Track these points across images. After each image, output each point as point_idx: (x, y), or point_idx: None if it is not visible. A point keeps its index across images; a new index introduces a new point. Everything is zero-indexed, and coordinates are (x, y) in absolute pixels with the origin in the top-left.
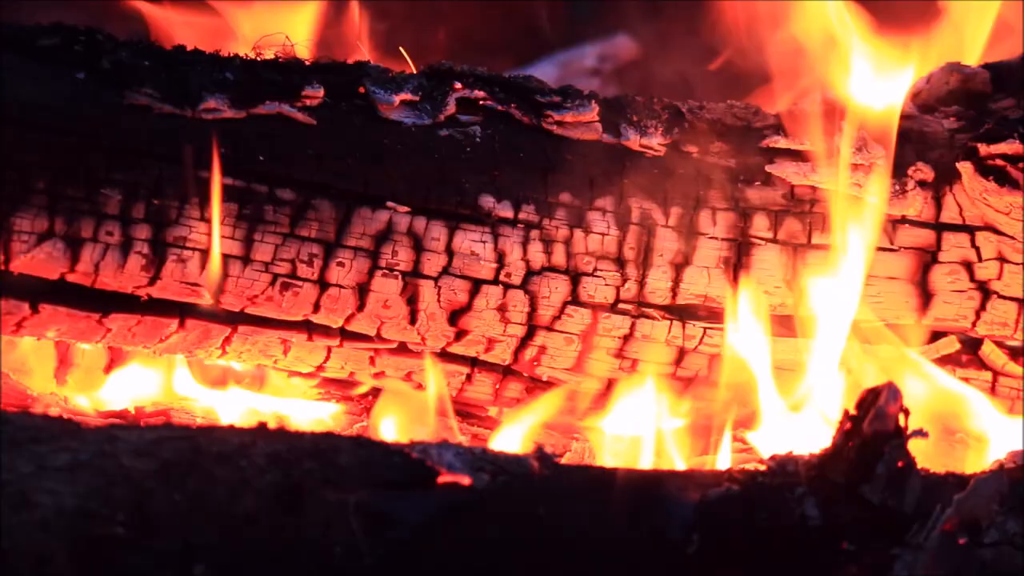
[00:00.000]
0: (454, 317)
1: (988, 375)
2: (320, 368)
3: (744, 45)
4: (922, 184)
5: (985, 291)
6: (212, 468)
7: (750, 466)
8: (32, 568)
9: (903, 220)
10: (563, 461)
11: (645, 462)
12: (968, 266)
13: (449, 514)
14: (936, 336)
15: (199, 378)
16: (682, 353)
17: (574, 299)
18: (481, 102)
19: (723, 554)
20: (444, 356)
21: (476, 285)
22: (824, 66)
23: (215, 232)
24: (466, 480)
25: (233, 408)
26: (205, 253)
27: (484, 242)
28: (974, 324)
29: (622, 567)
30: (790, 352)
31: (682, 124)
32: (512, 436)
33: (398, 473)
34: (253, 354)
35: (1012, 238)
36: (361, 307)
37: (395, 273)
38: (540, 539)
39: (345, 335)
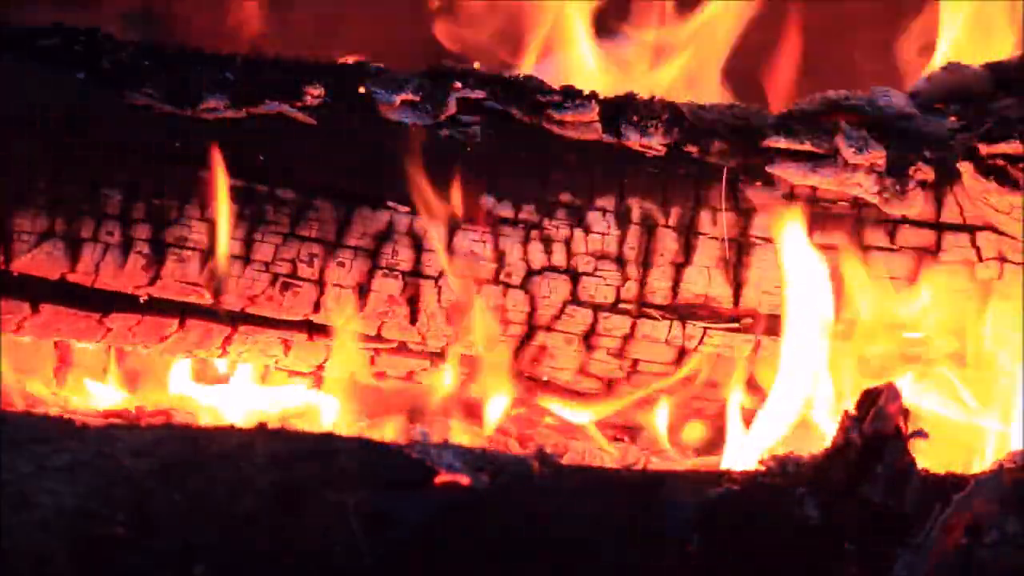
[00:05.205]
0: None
1: None
2: (320, 368)
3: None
4: (922, 184)
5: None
6: (212, 468)
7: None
8: (32, 568)
9: (903, 220)
10: (563, 461)
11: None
12: (968, 266)
13: (449, 514)
14: None
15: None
16: (682, 353)
17: (574, 299)
18: (482, 102)
19: (723, 554)
20: (444, 356)
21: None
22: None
23: (222, 232)
24: (465, 480)
25: (234, 408)
26: (205, 253)
27: (484, 242)
28: None
29: (622, 567)
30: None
31: (682, 124)
32: None
33: (398, 473)
34: (253, 354)
35: (1012, 238)
36: (361, 307)
37: (395, 273)
38: (540, 539)
39: None
